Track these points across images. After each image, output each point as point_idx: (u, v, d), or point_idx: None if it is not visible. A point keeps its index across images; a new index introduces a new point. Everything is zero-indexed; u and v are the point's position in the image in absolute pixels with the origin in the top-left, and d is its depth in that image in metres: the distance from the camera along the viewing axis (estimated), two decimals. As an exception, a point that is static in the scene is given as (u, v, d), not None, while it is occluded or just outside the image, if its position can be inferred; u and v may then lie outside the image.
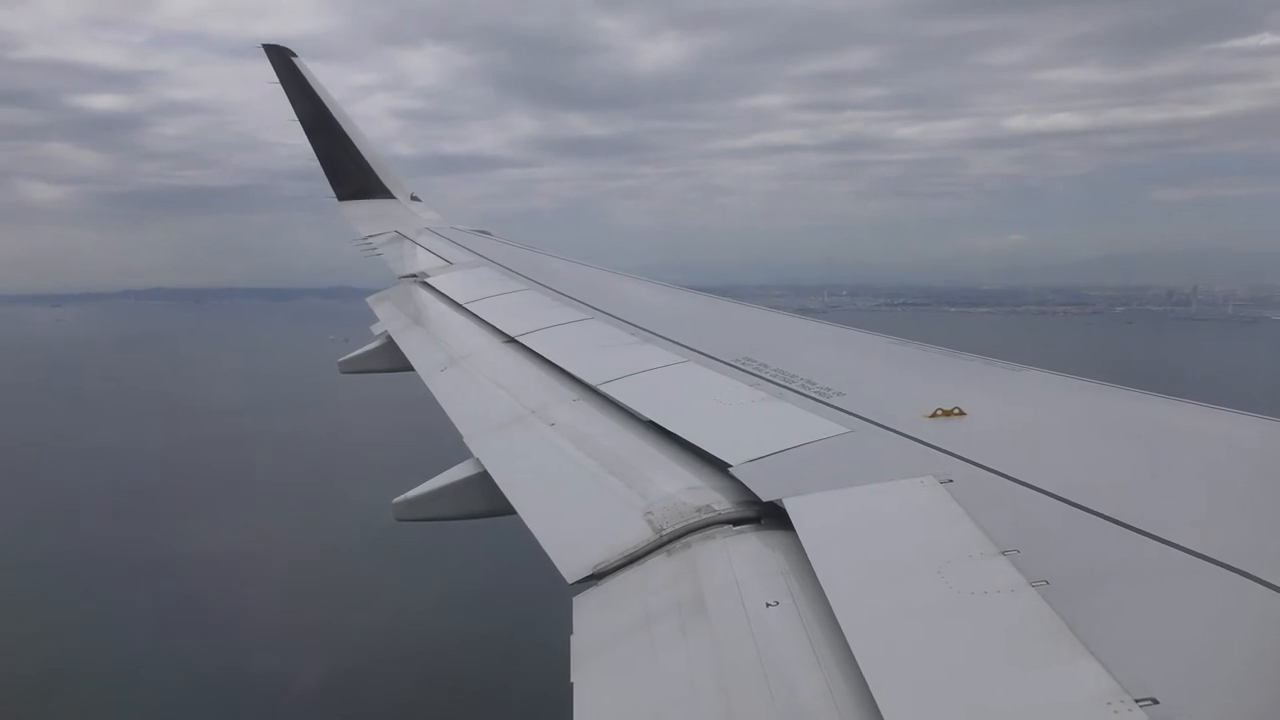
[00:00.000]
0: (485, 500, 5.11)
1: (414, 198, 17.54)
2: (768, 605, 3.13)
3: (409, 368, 8.39)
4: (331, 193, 16.70)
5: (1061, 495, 3.47)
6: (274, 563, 53.76)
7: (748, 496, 3.96)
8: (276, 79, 16.13)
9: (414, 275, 12.00)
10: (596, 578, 3.69)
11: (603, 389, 5.92)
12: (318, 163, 16.37)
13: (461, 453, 5.58)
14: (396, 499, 5.49)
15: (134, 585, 50.26)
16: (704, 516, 3.87)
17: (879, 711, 2.38)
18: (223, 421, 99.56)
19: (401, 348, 9.01)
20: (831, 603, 2.94)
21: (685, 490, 4.20)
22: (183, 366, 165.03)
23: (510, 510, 4.65)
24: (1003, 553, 3.05)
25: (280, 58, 16.20)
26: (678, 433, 4.85)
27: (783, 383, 5.48)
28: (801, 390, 5.29)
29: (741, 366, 5.95)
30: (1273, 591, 2.66)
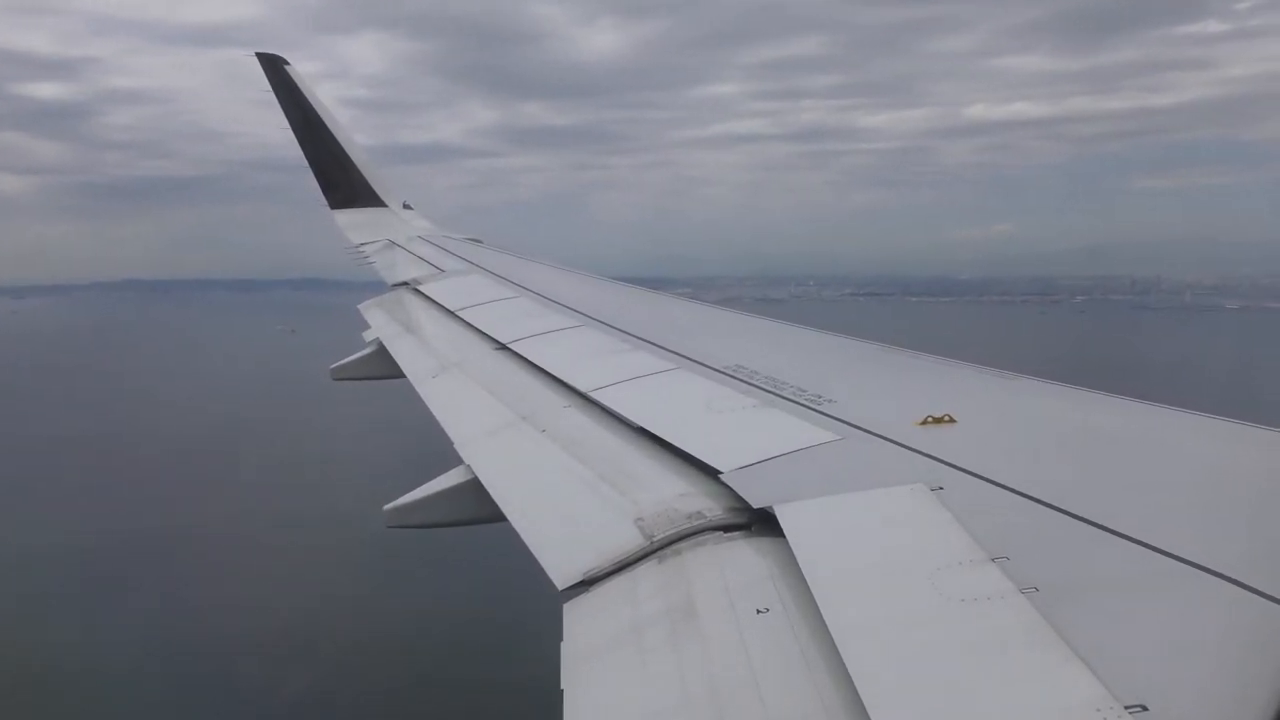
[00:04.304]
0: (476, 507, 5.10)
1: (406, 205, 17.60)
2: (758, 612, 3.12)
3: (401, 374, 8.39)
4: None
5: (1051, 502, 3.48)
6: (261, 563, 53.32)
7: (738, 503, 3.96)
8: (269, 87, 16.19)
9: (406, 283, 12.03)
10: (587, 584, 3.68)
11: (594, 396, 5.92)
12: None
13: (452, 459, 5.57)
14: (387, 505, 5.48)
15: (106, 588, 49.78)
16: (695, 523, 3.87)
17: (869, 719, 2.38)
18: (183, 420, 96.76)
19: (393, 354, 9.02)
20: (822, 610, 2.94)
21: (676, 497, 4.20)
22: (135, 359, 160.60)
23: (501, 517, 4.64)
24: (992, 559, 3.06)
25: (273, 66, 16.27)
26: (668, 439, 4.85)
27: (773, 389, 5.49)
28: (792, 397, 5.30)
29: (732, 373, 5.96)
30: (1262, 598, 2.67)
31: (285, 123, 16.36)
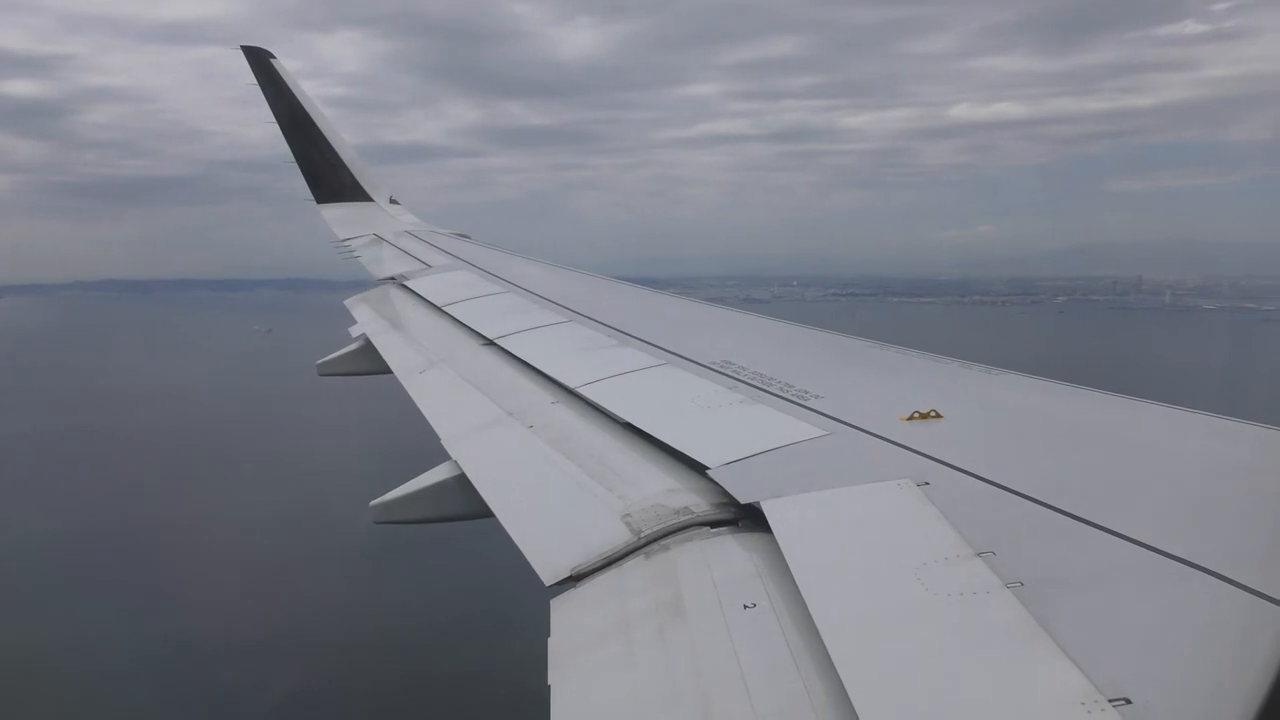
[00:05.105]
0: (463, 503, 5.10)
1: (393, 200, 17.51)
2: (745, 607, 3.13)
3: (387, 370, 8.36)
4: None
5: (1036, 497, 3.50)
6: (244, 560, 52.95)
7: (726, 499, 3.97)
8: (251, 83, 16.08)
9: (393, 278, 11.98)
10: (574, 580, 3.68)
11: (581, 391, 5.92)
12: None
13: (439, 455, 5.56)
14: (374, 501, 5.47)
15: (81, 585, 49.30)
16: (682, 519, 3.88)
17: (855, 713, 2.39)
18: (161, 418, 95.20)
19: (380, 350, 8.98)
20: (808, 605, 2.95)
21: (664, 493, 4.21)
22: (114, 358, 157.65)
23: (488, 513, 4.64)
24: (978, 554, 3.08)
25: (258, 59, 16.15)
26: (656, 435, 4.85)
27: (760, 385, 5.50)
28: (779, 393, 5.31)
29: (719, 369, 5.96)
30: (1244, 591, 2.69)
31: (267, 119, 16.23)
